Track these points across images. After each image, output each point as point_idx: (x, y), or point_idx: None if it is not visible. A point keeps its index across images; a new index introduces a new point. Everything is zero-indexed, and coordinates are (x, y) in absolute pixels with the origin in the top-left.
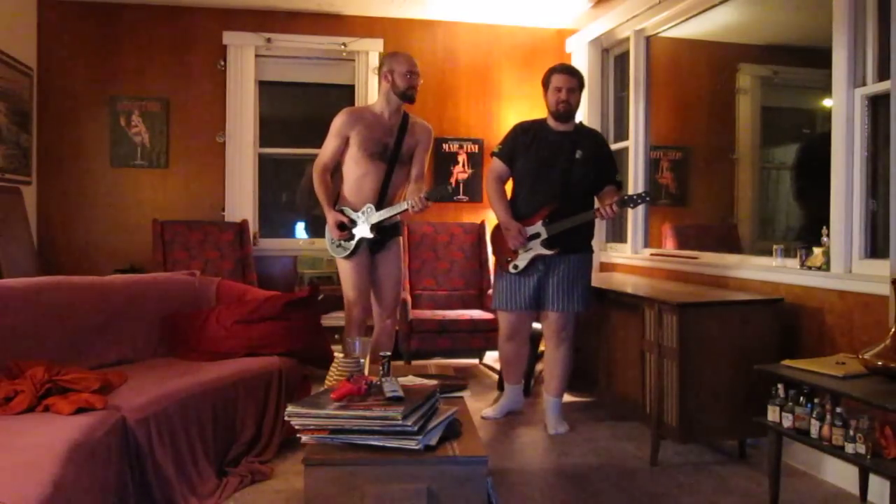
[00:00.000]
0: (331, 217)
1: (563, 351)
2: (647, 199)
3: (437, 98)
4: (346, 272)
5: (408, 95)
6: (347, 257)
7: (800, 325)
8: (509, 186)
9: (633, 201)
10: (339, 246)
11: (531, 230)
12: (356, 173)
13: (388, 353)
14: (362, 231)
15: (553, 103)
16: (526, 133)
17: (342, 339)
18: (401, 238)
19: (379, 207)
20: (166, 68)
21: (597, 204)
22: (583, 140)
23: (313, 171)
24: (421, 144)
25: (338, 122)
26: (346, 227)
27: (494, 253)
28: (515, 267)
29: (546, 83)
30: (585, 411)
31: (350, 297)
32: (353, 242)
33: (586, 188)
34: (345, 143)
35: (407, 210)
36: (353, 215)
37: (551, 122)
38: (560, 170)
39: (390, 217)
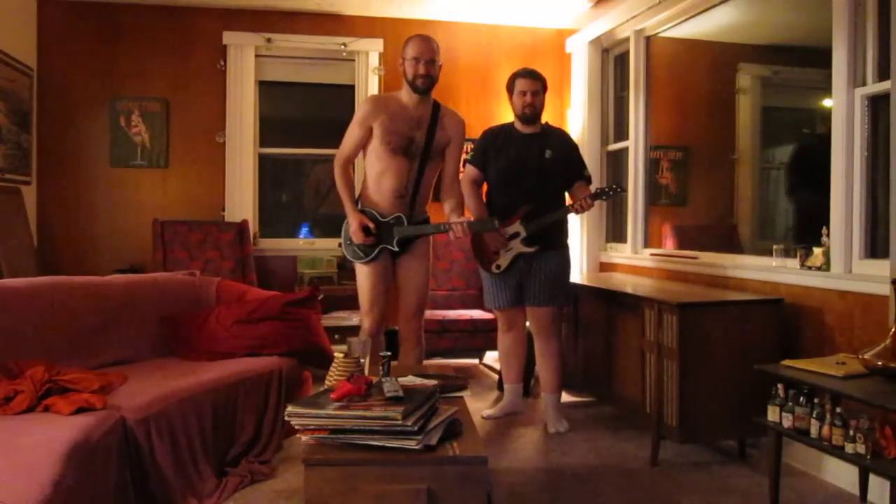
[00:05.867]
0: (355, 220)
1: (553, 345)
2: (620, 191)
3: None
4: (362, 279)
5: (415, 84)
6: (366, 262)
7: (800, 325)
8: (485, 190)
9: (606, 194)
10: (358, 251)
11: (510, 230)
12: (376, 169)
13: (389, 353)
14: (386, 241)
15: (519, 107)
16: (495, 138)
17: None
18: (430, 238)
19: (410, 205)
20: (166, 68)
21: (569, 200)
22: (550, 140)
23: (335, 165)
24: (454, 140)
25: (363, 109)
26: (370, 233)
27: (475, 256)
28: (498, 267)
29: (510, 88)
30: (585, 411)
31: (363, 306)
32: (375, 250)
33: (559, 186)
34: (368, 133)
35: (445, 233)
36: (381, 221)
37: (518, 126)
38: (532, 170)
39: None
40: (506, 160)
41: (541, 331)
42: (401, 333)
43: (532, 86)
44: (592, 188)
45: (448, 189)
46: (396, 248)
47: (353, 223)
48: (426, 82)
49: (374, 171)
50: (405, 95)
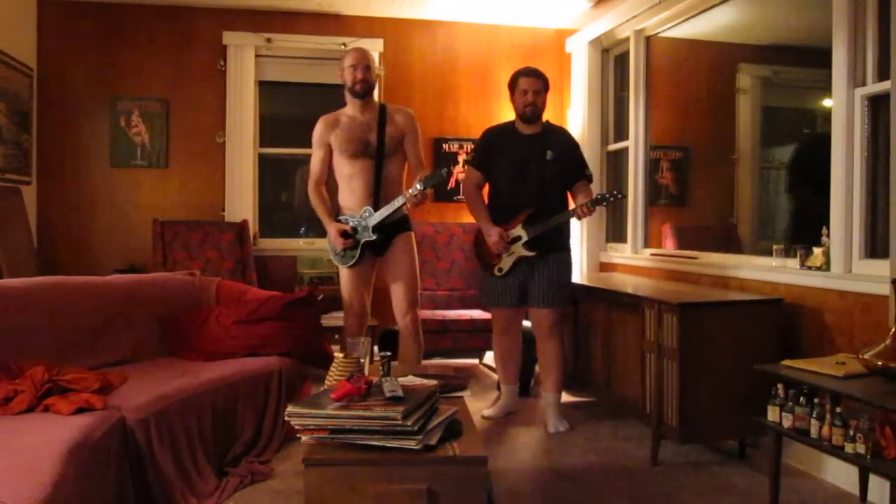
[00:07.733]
0: (332, 229)
1: (554, 344)
2: (621, 196)
3: (437, 98)
4: (344, 279)
5: (354, 90)
6: (351, 266)
7: (800, 325)
8: (486, 192)
9: (606, 199)
10: (345, 255)
11: (512, 234)
12: (344, 175)
13: (388, 353)
14: (364, 235)
15: (520, 106)
16: (496, 138)
17: (341, 343)
18: (411, 233)
19: (376, 207)
20: (166, 68)
21: (571, 203)
22: (551, 140)
23: (309, 189)
24: (408, 133)
25: (316, 132)
26: (349, 235)
27: (477, 257)
28: (500, 270)
29: (512, 86)
30: (585, 411)
31: (345, 303)
32: (358, 250)
33: (560, 187)
34: (328, 151)
35: (405, 204)
36: (353, 221)
37: (519, 125)
38: (533, 172)
39: (392, 214)
40: (507, 161)
41: (542, 332)
42: (399, 330)
43: (534, 84)
44: (593, 191)
45: (414, 176)
46: (374, 236)
47: (331, 232)
48: (364, 86)
49: (342, 177)
50: (350, 107)
